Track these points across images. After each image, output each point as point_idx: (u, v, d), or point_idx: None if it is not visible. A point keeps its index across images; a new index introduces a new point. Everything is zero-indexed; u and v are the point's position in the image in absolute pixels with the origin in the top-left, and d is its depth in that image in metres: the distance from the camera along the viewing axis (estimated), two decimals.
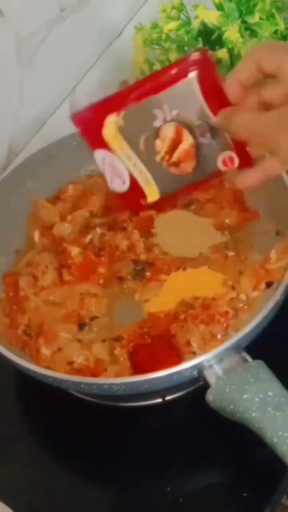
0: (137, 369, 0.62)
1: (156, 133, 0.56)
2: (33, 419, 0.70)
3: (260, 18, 0.77)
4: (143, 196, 0.61)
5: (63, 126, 0.87)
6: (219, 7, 0.78)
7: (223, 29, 0.76)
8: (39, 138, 0.83)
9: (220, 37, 0.77)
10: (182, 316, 0.65)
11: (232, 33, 0.75)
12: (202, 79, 0.53)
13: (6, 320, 0.68)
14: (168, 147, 0.57)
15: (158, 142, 0.57)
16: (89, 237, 0.73)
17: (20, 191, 0.76)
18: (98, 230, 0.73)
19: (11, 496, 0.62)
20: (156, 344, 0.64)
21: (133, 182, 0.60)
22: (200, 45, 0.77)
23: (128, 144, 0.58)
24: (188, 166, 0.58)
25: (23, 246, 0.75)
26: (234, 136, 0.54)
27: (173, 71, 0.54)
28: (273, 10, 0.77)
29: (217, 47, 0.78)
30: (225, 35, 0.76)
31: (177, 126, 0.56)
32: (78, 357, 0.64)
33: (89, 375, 0.62)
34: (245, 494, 0.60)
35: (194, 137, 0.56)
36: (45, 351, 0.65)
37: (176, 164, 0.59)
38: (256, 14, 0.76)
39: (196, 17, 0.78)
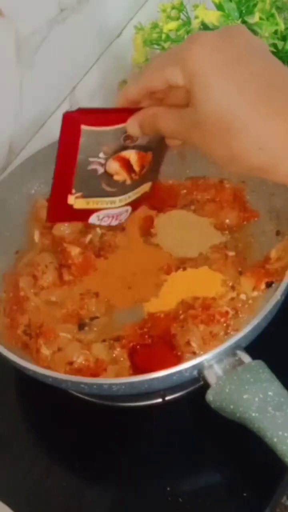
0: (137, 369, 0.62)
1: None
2: (33, 419, 0.71)
3: (260, 18, 0.76)
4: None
5: None
6: (219, 7, 0.78)
7: None
8: (39, 138, 0.83)
9: None
10: (182, 316, 0.65)
11: None
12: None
13: (6, 320, 0.68)
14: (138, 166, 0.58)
15: (115, 165, 0.57)
16: (89, 237, 0.73)
17: (20, 191, 0.76)
18: (98, 230, 0.73)
19: (11, 496, 0.63)
20: (156, 344, 0.64)
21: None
22: None
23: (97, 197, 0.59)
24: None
25: (23, 246, 0.75)
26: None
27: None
28: (273, 10, 0.77)
29: None
30: None
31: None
32: (78, 357, 0.64)
33: (89, 375, 0.62)
34: (245, 494, 0.60)
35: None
36: (45, 351, 0.65)
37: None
38: (256, 14, 0.76)
39: (196, 17, 0.78)
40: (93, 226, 0.73)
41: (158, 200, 0.74)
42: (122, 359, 0.63)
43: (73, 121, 0.53)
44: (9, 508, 0.61)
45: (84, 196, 0.58)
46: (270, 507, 0.60)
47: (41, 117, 0.84)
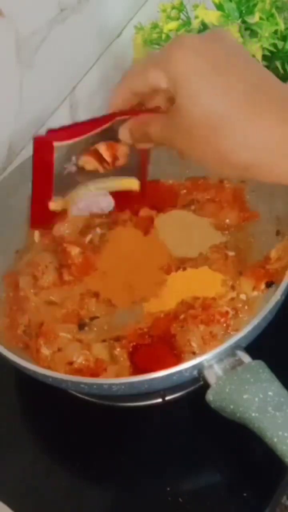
0: (137, 369, 0.62)
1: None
2: (33, 419, 0.71)
3: (260, 18, 0.77)
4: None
5: None
6: (219, 7, 0.78)
7: None
8: None
9: None
10: (182, 316, 0.65)
11: (232, 33, 0.75)
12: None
13: (6, 320, 0.68)
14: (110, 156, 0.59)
15: (85, 158, 0.58)
16: (89, 237, 0.73)
17: (20, 191, 0.76)
18: (98, 230, 0.73)
19: (11, 496, 0.63)
20: (156, 344, 0.64)
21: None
22: None
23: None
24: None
25: (23, 246, 0.75)
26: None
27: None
28: (273, 10, 0.77)
29: None
30: None
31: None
32: (78, 357, 0.64)
33: (89, 375, 0.62)
34: (245, 494, 0.60)
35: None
36: (45, 351, 0.65)
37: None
38: (256, 14, 0.76)
39: (196, 17, 0.78)
40: (93, 226, 0.74)
41: (158, 200, 0.74)
42: (122, 359, 0.63)
43: (44, 143, 0.55)
44: (9, 508, 0.61)
45: (63, 197, 0.60)
46: (270, 507, 0.60)
47: (41, 117, 0.84)
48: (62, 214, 0.62)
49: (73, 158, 0.57)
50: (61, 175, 0.58)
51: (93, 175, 0.60)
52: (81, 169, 0.59)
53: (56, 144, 0.55)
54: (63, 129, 0.55)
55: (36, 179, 0.57)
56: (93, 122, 0.55)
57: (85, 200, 0.62)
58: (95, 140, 0.57)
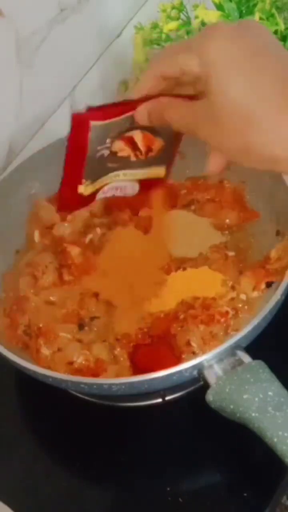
0: (137, 369, 0.62)
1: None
2: (33, 419, 0.71)
3: (260, 18, 0.76)
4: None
5: (63, 126, 0.87)
6: (219, 7, 0.78)
7: None
8: (39, 138, 0.83)
9: None
10: (182, 316, 0.65)
11: None
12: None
13: (6, 320, 0.68)
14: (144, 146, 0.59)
15: (120, 143, 0.57)
16: (89, 237, 0.73)
17: (20, 191, 0.76)
18: (98, 230, 0.73)
19: (11, 496, 0.63)
20: (156, 344, 0.64)
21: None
22: None
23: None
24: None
25: (23, 246, 0.75)
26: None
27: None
28: (273, 10, 0.77)
29: None
30: None
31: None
32: (78, 357, 0.64)
33: (89, 375, 0.62)
34: (245, 494, 0.60)
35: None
36: (45, 351, 0.65)
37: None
38: (256, 14, 0.76)
39: (196, 17, 0.78)
40: (93, 226, 0.74)
41: (158, 200, 0.74)
42: (122, 359, 0.63)
43: (81, 120, 0.53)
44: (9, 508, 0.61)
45: (92, 182, 0.59)
46: (270, 507, 0.60)
47: (41, 117, 0.84)
48: (89, 199, 0.60)
49: (108, 141, 0.56)
50: (92, 158, 0.56)
51: (124, 162, 0.58)
52: (113, 154, 0.57)
53: (93, 123, 0.53)
54: (102, 107, 0.53)
55: (69, 158, 0.56)
56: (129, 104, 0.53)
57: (112, 185, 0.61)
58: (131, 127, 0.55)
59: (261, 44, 0.47)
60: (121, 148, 0.57)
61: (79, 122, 0.53)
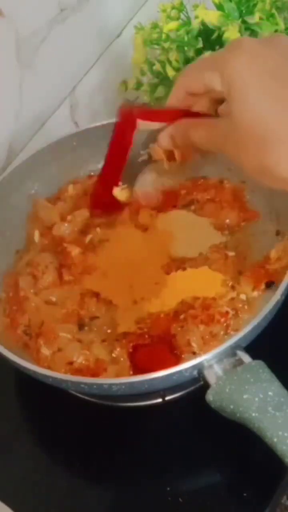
0: (137, 369, 0.62)
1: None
2: (33, 419, 0.71)
3: (260, 18, 0.76)
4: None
5: (63, 126, 0.87)
6: (219, 7, 0.78)
7: (223, 29, 0.76)
8: (39, 138, 0.83)
9: (220, 37, 0.77)
10: (182, 316, 0.65)
11: (232, 33, 0.75)
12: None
13: (6, 320, 0.68)
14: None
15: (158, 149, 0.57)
16: (89, 237, 0.73)
17: (20, 191, 0.76)
18: (98, 230, 0.73)
19: (11, 496, 0.63)
20: (156, 344, 0.64)
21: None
22: (200, 45, 0.77)
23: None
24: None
25: (23, 246, 0.75)
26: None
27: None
28: (273, 10, 0.77)
29: (217, 47, 0.78)
30: (225, 35, 0.76)
31: None
32: (78, 357, 0.64)
33: (89, 375, 0.62)
34: (245, 494, 0.60)
35: None
36: (45, 351, 0.65)
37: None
38: (256, 14, 0.76)
39: (196, 17, 0.78)
40: (93, 226, 0.74)
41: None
42: (122, 359, 0.63)
43: (129, 116, 0.53)
44: (9, 508, 0.61)
45: (129, 187, 0.58)
46: (270, 507, 0.60)
47: (41, 117, 0.84)
48: (121, 205, 0.60)
49: (151, 145, 0.55)
50: (135, 160, 0.56)
51: (158, 168, 0.58)
52: (150, 159, 0.57)
53: (139, 122, 0.52)
54: (148, 109, 0.53)
55: (110, 156, 0.55)
56: (176, 112, 0.53)
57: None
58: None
59: (286, 61, 0.46)
60: (157, 152, 0.56)
61: (126, 117, 0.52)
